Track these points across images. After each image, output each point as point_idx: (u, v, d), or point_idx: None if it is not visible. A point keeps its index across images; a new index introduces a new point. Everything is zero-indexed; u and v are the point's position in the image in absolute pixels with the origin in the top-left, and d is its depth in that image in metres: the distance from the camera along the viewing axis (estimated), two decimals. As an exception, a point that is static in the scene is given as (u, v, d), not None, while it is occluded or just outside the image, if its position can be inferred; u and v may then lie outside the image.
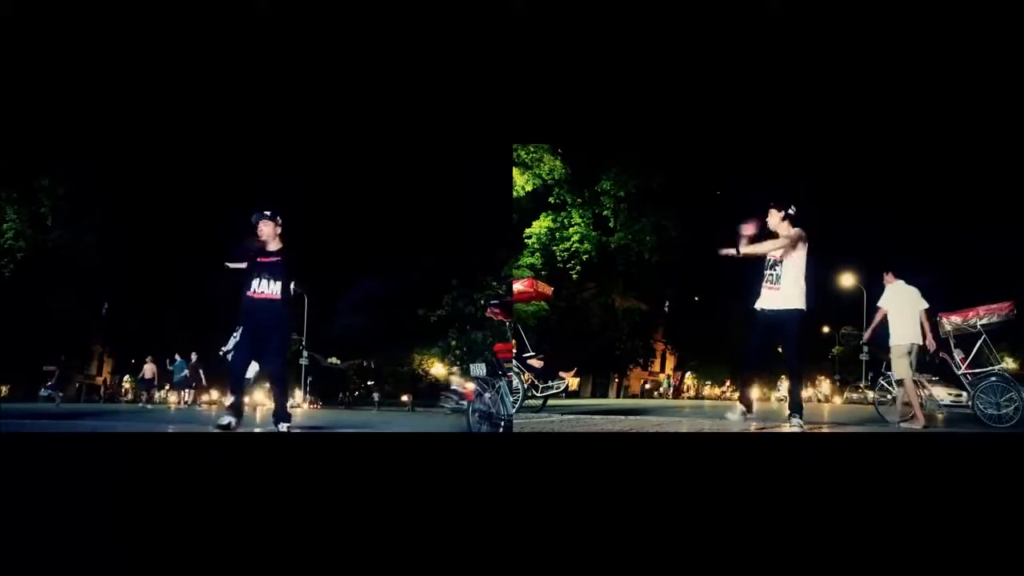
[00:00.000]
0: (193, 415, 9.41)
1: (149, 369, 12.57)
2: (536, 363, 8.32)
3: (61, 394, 12.33)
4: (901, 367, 6.28)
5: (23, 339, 11.62)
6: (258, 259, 5.29)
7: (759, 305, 5.30)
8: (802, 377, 5.43)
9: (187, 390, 12.35)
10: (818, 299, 6.97)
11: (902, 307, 6.38)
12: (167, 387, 12.89)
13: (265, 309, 5.21)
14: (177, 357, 12.26)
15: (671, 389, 18.53)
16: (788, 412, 5.25)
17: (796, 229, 5.23)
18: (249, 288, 5.24)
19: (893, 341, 6.34)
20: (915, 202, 10.94)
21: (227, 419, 5.17)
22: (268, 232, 5.32)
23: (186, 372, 12.19)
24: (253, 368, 9.66)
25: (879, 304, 6.48)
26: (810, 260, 5.27)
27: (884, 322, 6.43)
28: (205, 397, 12.75)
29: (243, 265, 5.36)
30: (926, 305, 6.42)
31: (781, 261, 5.24)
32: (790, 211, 5.26)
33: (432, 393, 13.81)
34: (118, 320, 14.27)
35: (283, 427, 5.20)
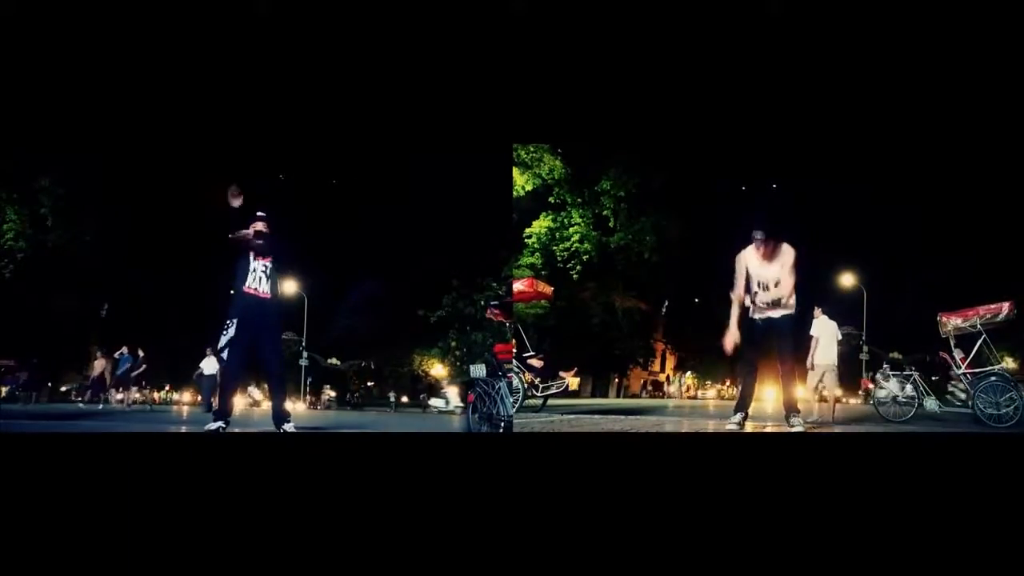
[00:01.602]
0: (144, 415, 9.03)
1: (99, 365, 11.39)
2: (536, 363, 8.34)
3: (21, 392, 11.69)
4: (826, 381, 7.36)
5: (22, 339, 11.58)
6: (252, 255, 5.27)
7: (755, 315, 5.32)
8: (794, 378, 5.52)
9: (133, 388, 11.38)
10: (818, 299, 7.53)
11: (825, 335, 7.42)
12: (110, 381, 11.57)
13: (259, 305, 5.20)
14: (125, 351, 11.18)
15: (680, 387, 18.48)
16: (786, 413, 5.29)
17: (789, 248, 5.25)
18: (244, 283, 5.21)
19: (817, 362, 7.32)
20: (916, 202, 10.94)
21: (216, 424, 5.12)
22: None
23: (130, 367, 11.14)
24: (213, 366, 9.39)
25: (811, 332, 7.49)
26: (805, 263, 5.33)
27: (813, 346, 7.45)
28: (156, 395, 12.00)
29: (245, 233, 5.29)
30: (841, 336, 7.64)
31: (778, 283, 5.24)
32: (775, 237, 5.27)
33: (432, 394, 13.80)
34: (117, 320, 14.19)
35: (287, 427, 5.18)
